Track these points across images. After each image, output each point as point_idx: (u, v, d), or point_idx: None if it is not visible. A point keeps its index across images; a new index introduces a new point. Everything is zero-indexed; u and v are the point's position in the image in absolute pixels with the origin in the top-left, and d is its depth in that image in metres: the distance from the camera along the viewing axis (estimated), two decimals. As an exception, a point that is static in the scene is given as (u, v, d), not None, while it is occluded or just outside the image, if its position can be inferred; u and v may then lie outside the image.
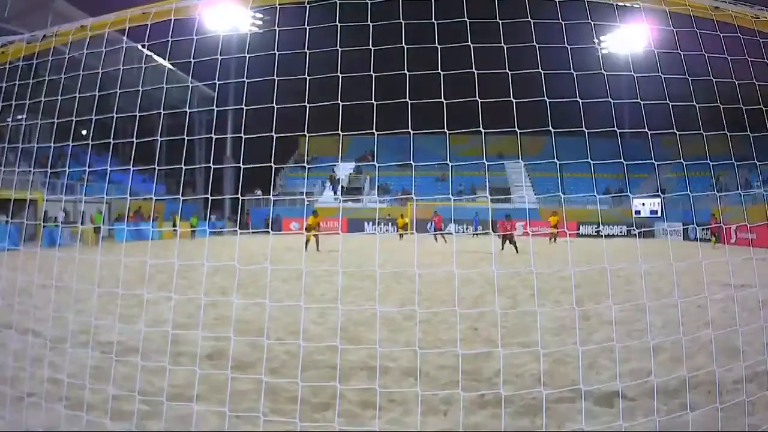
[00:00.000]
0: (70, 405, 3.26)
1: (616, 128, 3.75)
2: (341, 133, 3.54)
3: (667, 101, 3.80)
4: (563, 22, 3.68)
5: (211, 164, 4.39)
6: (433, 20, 3.54)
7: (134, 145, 4.21)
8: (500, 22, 3.57)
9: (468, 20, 3.50)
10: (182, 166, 4.12)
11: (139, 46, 4.51)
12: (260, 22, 24.17)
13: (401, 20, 3.66)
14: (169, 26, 3.71)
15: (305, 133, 3.71)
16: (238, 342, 4.65)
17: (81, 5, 22.74)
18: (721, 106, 3.84)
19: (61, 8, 23.52)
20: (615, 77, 4.08)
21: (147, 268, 6.12)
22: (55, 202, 20.18)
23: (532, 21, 3.65)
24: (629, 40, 27.70)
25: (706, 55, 3.62)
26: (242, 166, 3.65)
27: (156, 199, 23.89)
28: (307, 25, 3.68)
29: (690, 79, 3.72)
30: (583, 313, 6.06)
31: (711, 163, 3.88)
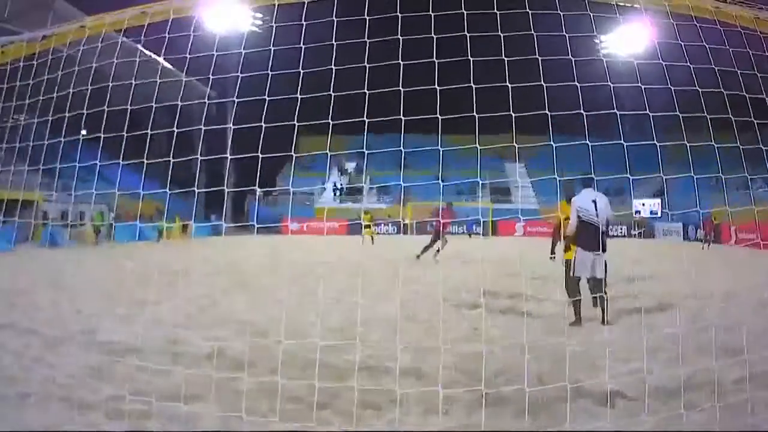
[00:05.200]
0: (70, 405, 3.26)
1: (621, 137, 3.75)
2: (341, 135, 3.54)
3: (677, 112, 3.79)
4: (562, 13, 3.68)
5: (212, 162, 4.39)
6: (433, 35, 3.53)
7: (133, 146, 4.22)
8: (499, 15, 3.57)
9: (468, 32, 3.50)
10: (199, 179, 4.12)
11: (139, 46, 4.51)
12: (259, 22, 24.17)
13: (400, 27, 3.66)
14: (173, 28, 3.71)
15: (309, 141, 3.72)
16: (238, 342, 4.65)
17: (81, 5, 22.73)
18: (733, 118, 3.83)
19: (61, 8, 23.50)
20: (615, 78, 4.08)
21: (144, 269, 6.11)
22: (55, 202, 20.18)
23: (531, 20, 3.65)
24: (632, 42, 27.63)
25: (709, 51, 3.62)
26: (242, 163, 3.65)
27: (153, 199, 23.87)
28: (305, 24, 3.68)
29: (700, 91, 3.71)
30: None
31: (719, 169, 3.87)
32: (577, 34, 3.93)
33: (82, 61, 4.10)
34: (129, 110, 4.25)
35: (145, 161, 3.91)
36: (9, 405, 3.28)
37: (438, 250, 13.27)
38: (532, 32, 3.53)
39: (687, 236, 27.08)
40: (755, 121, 3.90)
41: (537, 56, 3.63)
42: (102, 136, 4.13)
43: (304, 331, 5.27)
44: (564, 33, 3.63)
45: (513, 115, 3.42)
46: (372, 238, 21.45)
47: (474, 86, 3.46)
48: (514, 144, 3.98)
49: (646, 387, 3.44)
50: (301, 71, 3.60)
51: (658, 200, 31.32)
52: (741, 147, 3.95)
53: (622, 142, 3.74)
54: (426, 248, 13.47)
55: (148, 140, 4.11)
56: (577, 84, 3.67)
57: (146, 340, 4.77)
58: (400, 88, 3.47)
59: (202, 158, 4.74)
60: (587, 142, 3.80)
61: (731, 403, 3.17)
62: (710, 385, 3.52)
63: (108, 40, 4.16)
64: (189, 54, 3.88)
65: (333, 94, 3.57)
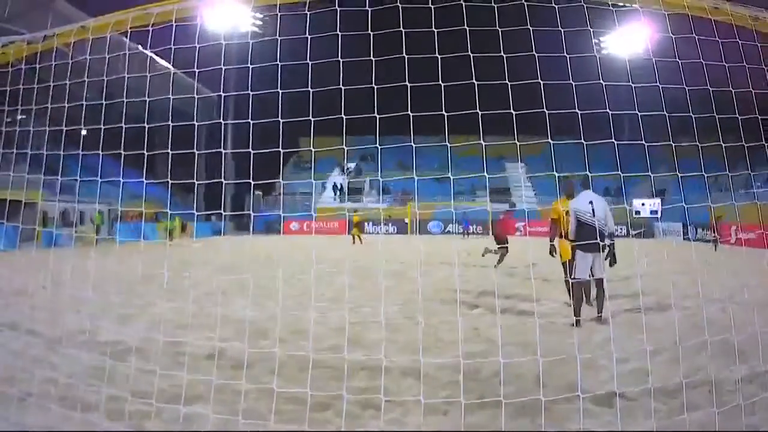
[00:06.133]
0: (70, 405, 3.27)
1: (614, 140, 3.76)
2: (345, 147, 3.58)
3: (664, 111, 3.81)
4: (564, 30, 3.70)
5: (219, 174, 4.40)
6: (438, 55, 3.54)
7: (134, 146, 4.22)
8: (500, 30, 3.59)
9: (469, 35, 3.51)
10: (200, 179, 4.12)
11: (140, 48, 4.53)
12: (260, 22, 24.18)
13: (401, 29, 3.67)
14: (170, 27, 3.72)
15: (309, 141, 3.74)
16: (238, 342, 4.66)
17: (81, 6, 22.75)
18: (717, 117, 3.85)
19: (62, 8, 23.52)
20: (613, 79, 4.10)
21: (144, 269, 6.11)
22: (55, 202, 20.16)
23: (530, 20, 3.66)
24: (628, 41, 27.67)
25: (703, 60, 3.64)
26: (248, 173, 3.66)
27: (154, 199, 23.89)
28: (309, 28, 3.69)
29: (687, 88, 3.74)
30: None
31: (705, 174, 3.89)
32: (577, 35, 3.95)
33: (83, 63, 4.11)
34: (126, 109, 4.26)
35: (171, 173, 3.92)
36: (9, 405, 3.29)
37: (484, 254, 12.07)
38: (534, 53, 3.55)
39: (687, 236, 27.08)
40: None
41: (536, 60, 3.66)
42: (102, 140, 4.15)
43: (304, 331, 5.28)
44: (563, 35, 3.65)
45: (515, 127, 3.44)
46: (357, 238, 21.56)
47: (480, 112, 3.47)
48: (519, 162, 3.99)
49: (648, 387, 3.45)
50: (310, 88, 3.62)
51: (658, 200, 31.34)
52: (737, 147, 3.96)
53: (622, 167, 3.76)
54: (500, 258, 11.92)
55: (145, 141, 4.13)
56: (577, 110, 3.71)
57: (146, 341, 4.78)
58: (408, 102, 3.49)
59: (226, 181, 4.76)
60: (584, 142, 3.82)
61: (731, 402, 3.17)
62: (711, 385, 3.53)
63: (110, 40, 4.18)
64: (191, 55, 3.90)
65: (342, 114, 3.61)
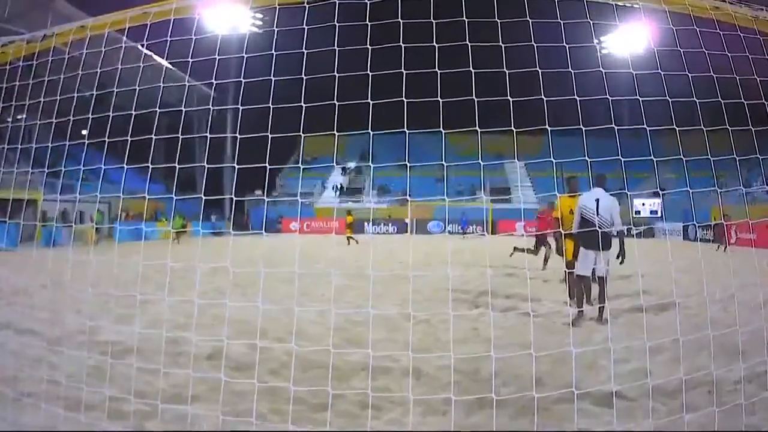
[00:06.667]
0: (69, 405, 3.26)
1: (614, 125, 3.75)
2: (336, 133, 3.55)
3: (667, 97, 3.80)
4: (563, 22, 3.69)
5: (209, 164, 4.41)
6: (435, 45, 3.53)
7: (132, 144, 4.21)
8: (499, 22, 3.58)
9: (468, 30, 3.50)
10: (200, 177, 4.12)
11: (139, 46, 4.52)
12: (260, 22, 24.18)
13: (399, 20, 3.66)
14: (168, 26, 3.72)
15: (303, 133, 3.72)
16: (237, 342, 4.65)
17: (81, 5, 22.76)
18: (722, 101, 3.82)
19: (61, 8, 23.53)
20: (615, 77, 4.08)
21: (143, 269, 6.09)
22: (55, 201, 20.17)
23: (531, 20, 3.65)
24: (629, 39, 27.62)
25: (706, 52, 3.62)
26: (240, 166, 3.65)
27: (152, 199, 23.88)
28: (306, 25, 3.69)
29: (690, 74, 3.72)
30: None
31: (711, 159, 3.86)
32: (577, 33, 3.93)
33: (81, 61, 4.10)
34: (115, 105, 4.25)
35: (151, 166, 3.92)
36: (8, 405, 3.28)
37: (546, 260, 11.15)
38: (533, 42, 3.55)
39: (687, 236, 27.09)
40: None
41: (536, 51, 3.65)
42: (102, 139, 4.14)
43: (302, 331, 5.27)
44: (563, 31, 3.63)
45: (513, 123, 3.44)
46: (353, 239, 21.38)
47: (476, 99, 3.46)
48: (514, 145, 3.96)
49: (648, 387, 3.44)
50: (304, 78, 3.62)
51: (658, 200, 31.36)
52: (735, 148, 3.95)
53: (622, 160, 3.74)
54: (528, 251, 11.45)
55: (136, 138, 4.12)
56: (576, 97, 3.68)
57: (146, 341, 4.77)
58: (403, 94, 3.48)
59: (208, 166, 4.77)
60: (583, 128, 3.80)
61: (731, 402, 3.17)
62: (711, 385, 3.53)
63: (108, 39, 4.16)
64: (190, 54, 3.89)
65: (336, 104, 3.60)
